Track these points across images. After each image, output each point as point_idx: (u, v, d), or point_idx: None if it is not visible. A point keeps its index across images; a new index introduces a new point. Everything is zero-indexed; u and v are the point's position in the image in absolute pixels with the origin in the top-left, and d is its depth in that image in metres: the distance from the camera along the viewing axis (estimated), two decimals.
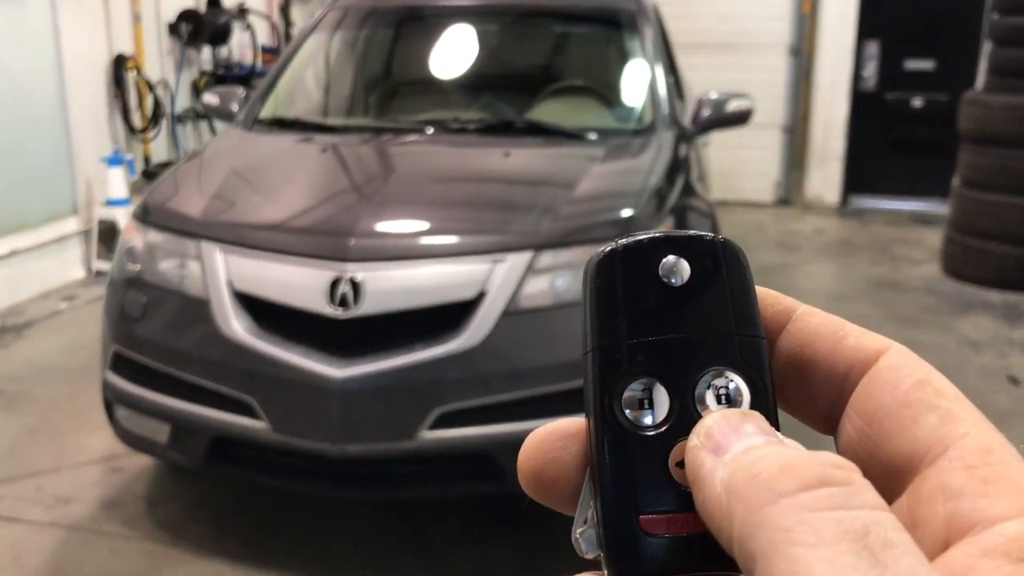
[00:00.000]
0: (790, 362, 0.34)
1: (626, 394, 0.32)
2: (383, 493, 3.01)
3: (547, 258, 2.87)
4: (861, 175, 8.37)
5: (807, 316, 0.35)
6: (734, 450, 0.29)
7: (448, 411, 2.73)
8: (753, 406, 0.32)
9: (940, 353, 4.80)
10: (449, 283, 2.81)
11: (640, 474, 0.32)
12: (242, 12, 7.69)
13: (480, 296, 2.78)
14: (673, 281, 0.33)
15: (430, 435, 2.72)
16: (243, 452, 2.94)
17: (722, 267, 0.34)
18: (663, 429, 0.32)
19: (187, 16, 7.08)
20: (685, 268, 0.33)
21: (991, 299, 5.69)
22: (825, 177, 8.44)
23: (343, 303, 2.75)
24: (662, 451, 0.32)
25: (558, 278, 2.86)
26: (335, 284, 2.77)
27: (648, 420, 0.32)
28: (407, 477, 2.90)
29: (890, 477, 0.31)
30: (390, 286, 2.79)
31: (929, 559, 0.28)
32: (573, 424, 0.34)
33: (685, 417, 0.32)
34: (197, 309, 2.91)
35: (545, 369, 2.77)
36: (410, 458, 2.79)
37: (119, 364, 3.04)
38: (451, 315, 2.78)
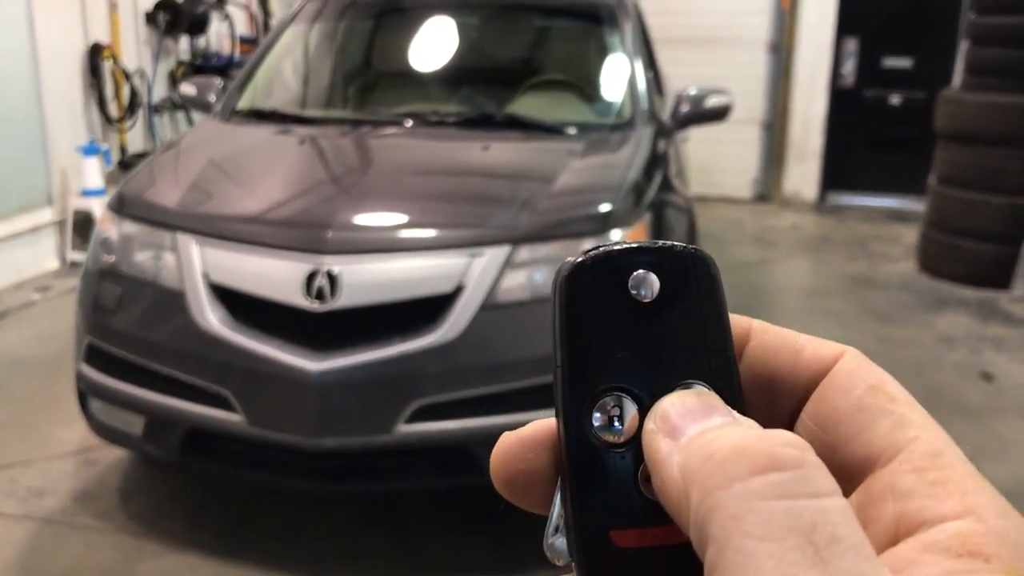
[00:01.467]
0: (752, 380, 0.34)
1: (596, 410, 0.32)
2: (359, 486, 3.01)
3: (525, 252, 2.87)
4: (839, 172, 8.42)
5: (762, 333, 0.35)
6: (689, 433, 0.29)
7: (425, 405, 2.72)
8: None
9: (915, 349, 4.84)
10: (427, 276, 2.80)
11: (610, 488, 0.32)
12: (220, 2, 7.63)
13: (458, 290, 2.78)
14: (643, 295, 0.33)
15: (407, 428, 2.71)
16: (218, 445, 2.92)
17: (693, 281, 0.33)
18: (634, 445, 0.32)
19: (165, 5, 7.02)
20: (655, 282, 0.33)
21: (966, 296, 5.74)
22: (803, 173, 8.49)
23: (320, 296, 2.74)
24: (632, 466, 0.32)
25: (536, 272, 2.86)
26: (312, 277, 2.76)
27: (618, 436, 0.32)
28: (384, 470, 2.90)
29: (842, 479, 0.31)
30: (367, 279, 2.78)
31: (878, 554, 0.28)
32: (542, 430, 0.34)
33: None
34: (172, 301, 2.89)
35: (522, 363, 2.77)
36: (387, 451, 2.78)
37: (93, 356, 3.01)
38: (428, 308, 2.78)
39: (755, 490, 0.26)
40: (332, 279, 2.75)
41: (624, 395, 0.32)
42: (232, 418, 2.76)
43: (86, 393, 3.06)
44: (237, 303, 2.84)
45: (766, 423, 0.34)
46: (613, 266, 0.33)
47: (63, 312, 4.81)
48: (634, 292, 0.33)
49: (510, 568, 2.99)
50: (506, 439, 0.34)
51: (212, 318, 2.81)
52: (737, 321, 0.35)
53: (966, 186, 5.87)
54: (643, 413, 0.32)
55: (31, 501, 3.24)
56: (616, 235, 2.96)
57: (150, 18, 6.96)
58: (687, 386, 0.32)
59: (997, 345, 4.92)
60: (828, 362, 0.34)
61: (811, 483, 0.27)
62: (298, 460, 2.79)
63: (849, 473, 0.32)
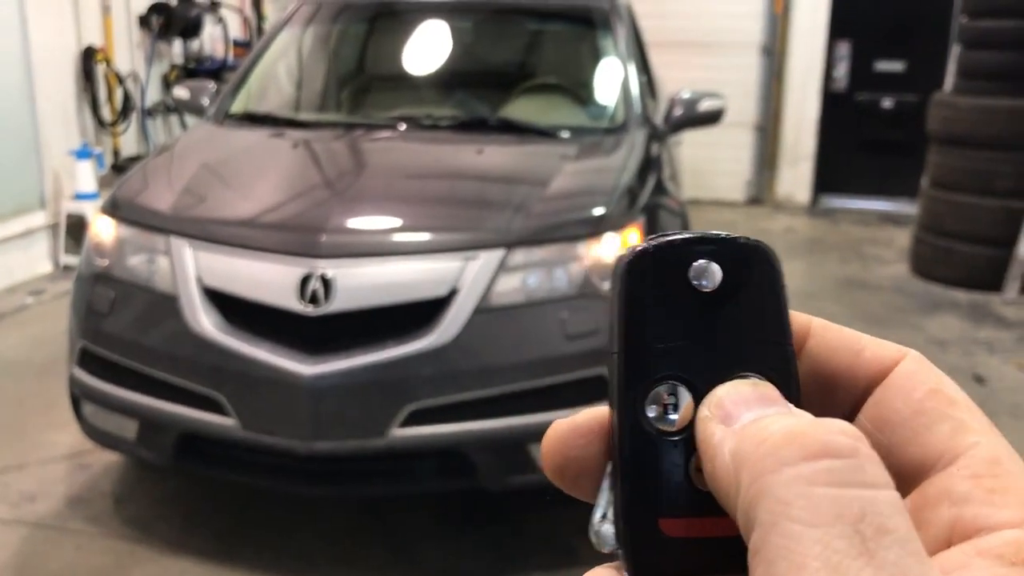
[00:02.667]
0: (810, 378, 0.34)
1: (651, 398, 0.32)
2: (353, 490, 3.01)
3: (519, 256, 2.87)
4: (831, 175, 8.44)
5: (822, 331, 0.35)
6: (743, 420, 0.29)
7: (419, 408, 2.72)
8: None
9: None
10: (421, 280, 2.80)
11: (662, 477, 0.32)
12: (214, 5, 7.63)
13: (452, 293, 2.78)
14: (704, 285, 0.33)
15: (401, 432, 2.71)
16: (212, 449, 2.92)
17: (754, 272, 0.33)
18: (687, 434, 0.32)
19: (158, 8, 7.01)
20: (716, 272, 0.33)
21: (958, 299, 5.76)
22: (796, 176, 8.51)
23: (313, 300, 2.74)
24: (684, 455, 0.32)
25: (530, 276, 2.87)
26: (306, 280, 2.76)
27: (672, 424, 0.32)
28: (378, 474, 2.89)
29: (899, 482, 0.31)
30: (361, 283, 2.78)
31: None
32: (594, 419, 0.34)
33: None
34: (166, 305, 2.89)
35: (517, 366, 2.77)
36: (381, 455, 2.78)
37: (86, 360, 3.01)
38: (423, 312, 2.78)
39: (805, 476, 0.26)
40: (326, 283, 2.75)
41: (680, 384, 0.32)
42: (226, 422, 2.76)
43: (79, 397, 3.05)
44: (231, 307, 2.84)
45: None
46: (675, 255, 0.33)
47: (56, 316, 4.79)
48: (695, 282, 0.33)
49: (503, 571, 2.99)
50: (558, 426, 0.34)
51: (206, 322, 2.81)
52: (797, 318, 0.35)
53: (958, 189, 5.89)
54: (698, 403, 0.32)
55: (23, 505, 3.23)
56: (609, 239, 2.96)
57: (143, 21, 6.95)
58: (744, 377, 0.32)
59: (989, 348, 4.94)
60: (888, 364, 0.33)
61: (863, 473, 0.26)
62: (292, 464, 2.79)
63: (905, 476, 0.31)
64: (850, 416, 0.34)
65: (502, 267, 2.83)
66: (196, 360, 2.82)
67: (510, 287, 2.83)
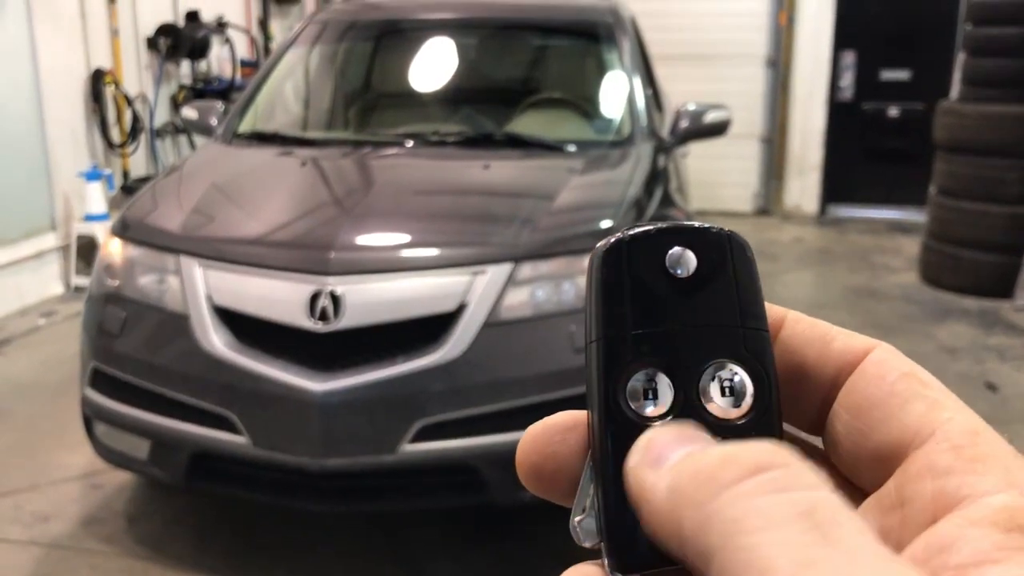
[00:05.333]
0: (782, 367, 0.35)
1: (630, 384, 0.32)
2: (364, 506, 3.01)
3: (527, 270, 2.88)
4: (839, 184, 8.43)
5: (795, 323, 0.35)
6: (673, 459, 0.29)
7: (430, 424, 2.73)
8: (757, 398, 0.33)
9: (918, 360, 4.71)
10: (429, 295, 2.81)
11: None
12: (221, 26, 7.68)
13: (461, 308, 2.79)
14: (679, 272, 0.33)
15: (412, 448, 2.72)
16: (223, 467, 2.93)
17: (728, 260, 0.34)
18: (667, 420, 0.32)
19: (165, 30, 7.06)
20: (691, 259, 0.33)
21: (968, 306, 5.74)
22: (803, 187, 8.50)
23: (323, 317, 2.75)
24: None
25: (538, 289, 2.87)
26: (315, 298, 2.77)
27: (651, 410, 0.32)
28: (389, 490, 2.90)
29: (879, 465, 0.32)
30: (370, 299, 2.79)
31: (917, 533, 0.28)
32: (570, 418, 0.34)
33: (688, 408, 0.32)
34: (176, 324, 2.90)
35: (526, 380, 2.78)
36: (392, 471, 2.78)
37: (98, 380, 3.02)
38: (432, 327, 2.79)
39: (748, 491, 0.26)
40: (335, 300, 2.76)
41: (658, 370, 0.33)
42: (237, 440, 2.77)
43: (91, 417, 3.07)
44: (241, 325, 2.85)
45: (794, 413, 0.35)
46: (650, 243, 0.34)
47: (68, 337, 4.82)
48: (670, 269, 0.33)
49: None
50: (533, 428, 0.34)
51: (216, 341, 2.82)
52: (773, 310, 0.35)
53: (966, 197, 5.88)
54: (677, 388, 0.32)
55: (37, 527, 3.24)
56: None
57: (151, 43, 7.01)
58: (722, 364, 0.33)
59: (1001, 355, 4.92)
60: (858, 353, 0.34)
61: (803, 477, 0.26)
62: (303, 481, 2.79)
63: (885, 457, 0.32)
64: (821, 406, 0.34)
65: (510, 281, 2.84)
66: (207, 378, 2.83)
67: (518, 301, 2.84)
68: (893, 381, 0.32)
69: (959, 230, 5.93)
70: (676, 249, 0.33)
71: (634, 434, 0.31)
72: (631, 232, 0.34)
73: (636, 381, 0.32)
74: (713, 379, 0.33)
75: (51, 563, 3.06)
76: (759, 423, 0.32)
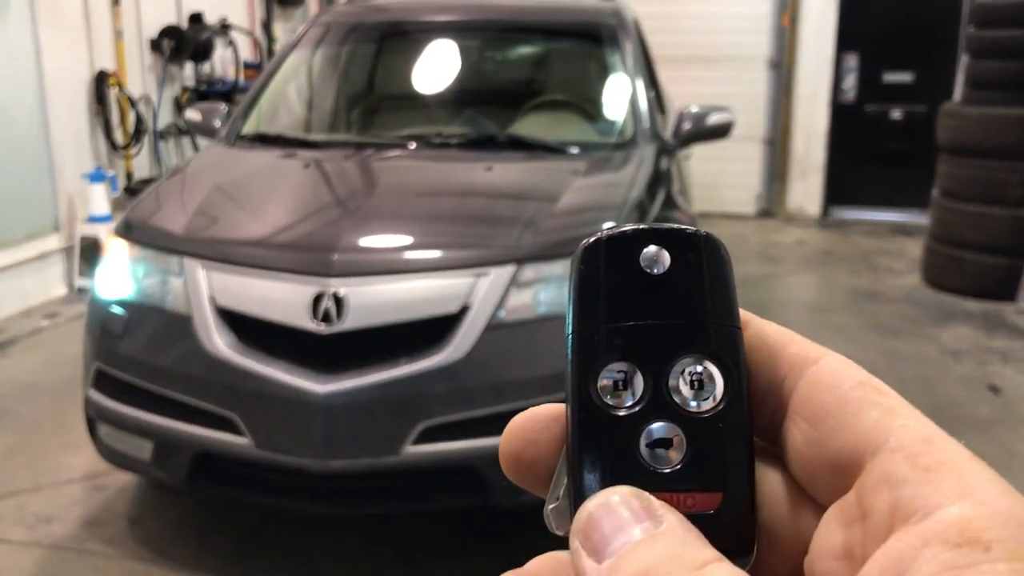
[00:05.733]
0: None
1: (602, 375, 0.34)
2: (367, 508, 3.01)
3: (530, 271, 2.88)
4: (842, 186, 8.43)
5: (760, 326, 0.36)
6: (611, 549, 0.30)
7: (432, 425, 2.73)
8: (726, 393, 0.33)
9: (921, 363, 4.83)
10: (432, 297, 2.81)
11: (611, 453, 0.33)
12: (224, 28, 7.69)
13: (463, 310, 2.79)
14: (654, 270, 0.34)
15: (414, 449, 2.72)
16: (226, 469, 2.93)
17: (702, 258, 0.35)
18: (636, 411, 0.33)
19: (169, 32, 7.08)
20: (665, 258, 0.35)
21: (971, 308, 5.74)
22: (806, 189, 8.50)
23: (326, 318, 2.75)
24: (634, 432, 0.33)
25: (541, 291, 2.87)
26: (318, 299, 2.77)
27: (622, 401, 0.33)
28: (391, 492, 2.90)
29: (838, 475, 0.32)
30: (373, 301, 2.80)
31: (876, 546, 0.29)
32: (555, 408, 0.35)
33: (658, 400, 0.33)
34: (179, 325, 2.91)
35: (529, 382, 2.78)
36: (394, 473, 2.78)
37: (101, 381, 3.03)
38: (434, 329, 2.79)
39: None
40: (338, 301, 2.76)
41: (630, 363, 0.34)
42: (240, 441, 2.77)
43: (94, 418, 3.07)
44: (244, 327, 2.85)
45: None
46: (627, 242, 0.35)
47: (71, 339, 4.82)
48: (645, 267, 0.34)
49: None
50: (518, 417, 0.36)
51: (219, 342, 2.83)
52: (741, 313, 0.36)
53: (969, 199, 5.88)
54: (647, 381, 0.33)
55: (39, 528, 3.25)
56: None
57: (155, 45, 7.02)
58: (693, 358, 0.34)
59: (1004, 357, 4.92)
60: (809, 357, 0.34)
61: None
62: (306, 483, 2.80)
63: (842, 466, 0.32)
64: (774, 412, 0.35)
65: (513, 283, 2.84)
66: (210, 380, 2.84)
67: (521, 303, 2.84)
68: (848, 389, 0.33)
69: (962, 232, 5.92)
70: (651, 248, 0.35)
71: (605, 424, 0.33)
72: (608, 232, 0.35)
73: (608, 373, 0.34)
74: (683, 373, 0.34)
75: (53, 565, 3.07)
76: (728, 417, 0.33)
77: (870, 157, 8.31)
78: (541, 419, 0.35)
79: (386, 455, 2.73)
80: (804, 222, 8.41)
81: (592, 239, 0.35)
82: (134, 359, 2.98)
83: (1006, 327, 5.41)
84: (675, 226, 0.35)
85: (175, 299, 2.95)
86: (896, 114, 8.17)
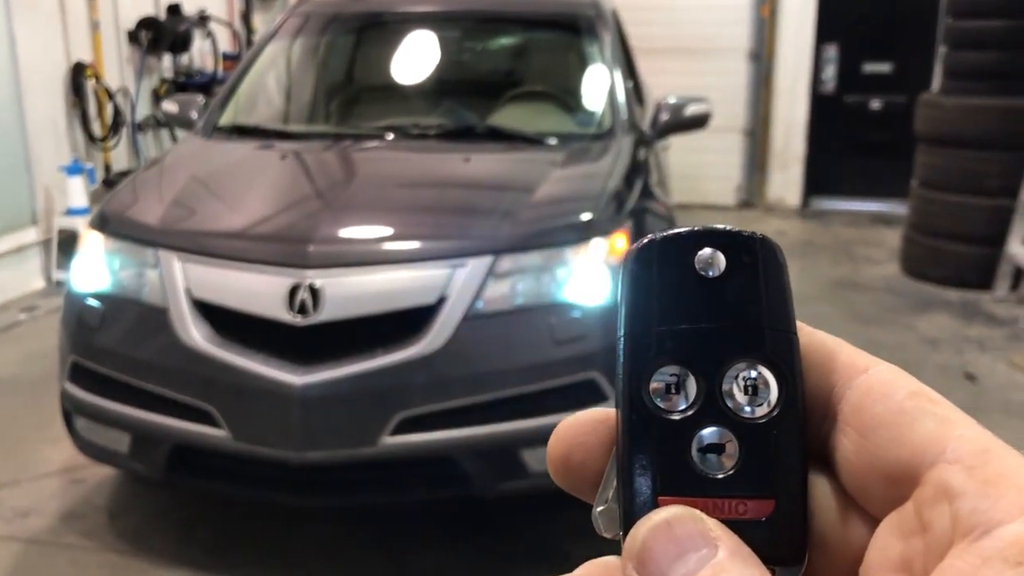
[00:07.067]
0: None
1: (654, 379, 0.33)
2: (345, 499, 3.01)
3: (507, 262, 2.88)
4: (822, 177, 8.46)
5: (810, 332, 0.35)
6: None
7: (410, 416, 2.73)
8: (780, 399, 0.33)
9: (899, 351, 4.86)
10: (409, 288, 2.81)
11: (663, 457, 0.33)
12: (203, 19, 7.64)
13: (441, 301, 2.79)
14: (709, 273, 0.34)
15: (392, 440, 2.72)
16: (204, 461, 2.92)
17: (758, 262, 0.34)
18: (688, 415, 0.33)
19: (147, 23, 7.02)
20: (721, 260, 0.34)
21: (949, 297, 5.78)
22: (786, 179, 8.53)
23: (302, 310, 2.75)
24: (685, 437, 0.33)
25: (519, 282, 2.88)
26: (294, 291, 2.77)
27: (674, 405, 0.33)
28: (370, 483, 2.90)
29: (891, 486, 0.32)
30: (350, 292, 2.79)
31: (936, 560, 0.29)
32: (604, 412, 0.35)
33: (711, 405, 0.33)
34: (156, 318, 2.90)
35: (506, 372, 2.78)
36: (372, 464, 2.79)
37: (78, 374, 3.01)
38: (412, 320, 2.79)
39: None
40: (315, 293, 2.76)
41: (683, 367, 0.33)
42: (217, 433, 2.77)
43: (71, 412, 3.06)
44: (220, 319, 2.85)
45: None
46: (681, 245, 0.34)
47: (49, 332, 4.78)
48: (700, 270, 0.34)
49: None
50: (566, 420, 0.35)
51: (195, 334, 2.82)
52: None
53: (948, 189, 5.91)
54: (700, 385, 0.33)
55: (16, 522, 3.23)
56: (597, 243, 2.97)
57: (132, 36, 6.97)
58: (747, 364, 0.33)
59: (980, 345, 4.96)
60: (860, 366, 0.34)
61: None
62: (283, 474, 2.79)
63: (897, 478, 0.31)
64: (822, 423, 0.34)
65: (490, 274, 2.84)
66: (187, 372, 2.83)
67: (499, 294, 2.84)
68: (901, 399, 0.32)
69: (941, 222, 5.96)
70: (706, 250, 0.34)
71: (656, 428, 0.33)
72: (663, 233, 0.35)
73: (660, 376, 0.33)
74: (737, 378, 0.33)
75: (31, 558, 3.06)
76: (782, 424, 0.33)
77: (850, 147, 8.34)
78: (589, 421, 0.35)
79: (364, 446, 2.73)
80: (784, 213, 8.44)
81: (645, 240, 0.35)
82: (110, 352, 2.96)
83: (983, 316, 5.45)
84: (731, 228, 0.35)
85: (151, 291, 2.94)
86: (876, 104, 8.21)
